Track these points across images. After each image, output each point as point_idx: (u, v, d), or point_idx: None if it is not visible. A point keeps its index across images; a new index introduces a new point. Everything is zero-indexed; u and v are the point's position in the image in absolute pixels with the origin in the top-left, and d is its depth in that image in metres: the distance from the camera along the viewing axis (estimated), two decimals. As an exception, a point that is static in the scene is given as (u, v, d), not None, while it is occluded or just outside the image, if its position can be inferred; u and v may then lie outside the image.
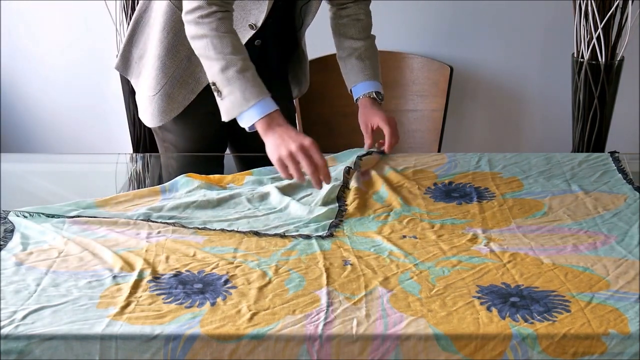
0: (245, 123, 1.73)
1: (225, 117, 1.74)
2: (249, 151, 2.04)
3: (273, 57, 2.05)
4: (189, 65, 1.96)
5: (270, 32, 1.98)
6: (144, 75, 2.01)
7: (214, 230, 1.59)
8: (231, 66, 1.71)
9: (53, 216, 1.61)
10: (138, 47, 2.02)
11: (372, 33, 2.07)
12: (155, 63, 1.96)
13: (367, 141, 1.99)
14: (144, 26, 2.01)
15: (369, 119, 1.98)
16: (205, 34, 1.73)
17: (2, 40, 3.43)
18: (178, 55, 1.95)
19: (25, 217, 1.61)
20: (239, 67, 1.71)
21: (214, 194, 1.73)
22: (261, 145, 1.74)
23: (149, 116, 2.01)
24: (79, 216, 1.63)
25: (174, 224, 1.60)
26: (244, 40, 1.88)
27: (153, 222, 1.61)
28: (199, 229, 1.59)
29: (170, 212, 1.65)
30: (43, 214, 1.62)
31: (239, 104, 1.71)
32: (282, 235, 1.57)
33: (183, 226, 1.60)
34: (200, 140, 2.05)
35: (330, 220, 1.63)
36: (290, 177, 1.68)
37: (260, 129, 1.72)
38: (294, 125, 2.16)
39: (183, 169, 1.96)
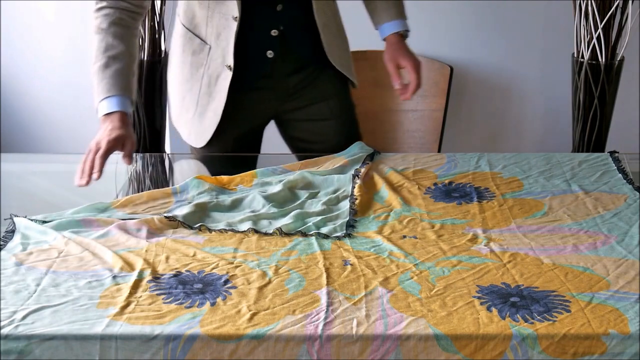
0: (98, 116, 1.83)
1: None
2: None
3: (298, 45, 2.01)
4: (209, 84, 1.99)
5: (289, 18, 1.97)
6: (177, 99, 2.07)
7: (213, 230, 1.59)
8: (96, 62, 1.83)
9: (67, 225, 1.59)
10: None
11: None
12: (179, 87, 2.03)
13: (395, 80, 2.02)
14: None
15: (397, 57, 2.01)
16: (93, 29, 1.85)
17: (2, 40, 3.43)
18: (197, 74, 1.99)
19: (34, 221, 1.60)
20: (100, 64, 1.82)
21: (227, 197, 1.73)
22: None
23: (193, 137, 2.05)
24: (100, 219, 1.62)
25: (200, 227, 1.60)
26: (230, 33, 1.91)
27: (183, 223, 1.61)
28: (226, 230, 1.59)
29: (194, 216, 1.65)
30: (56, 221, 1.60)
31: (94, 99, 1.83)
32: (285, 234, 1.57)
33: (208, 229, 1.60)
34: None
35: (347, 219, 1.63)
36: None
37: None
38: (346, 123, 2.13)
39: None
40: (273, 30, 1.96)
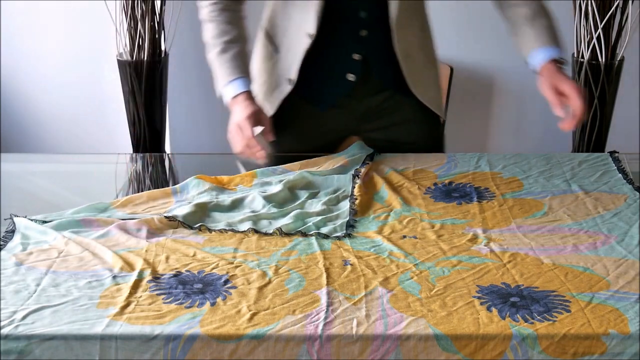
0: (225, 100, 1.90)
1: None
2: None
3: (380, 72, 1.99)
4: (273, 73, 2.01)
5: (373, 45, 1.95)
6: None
7: (213, 230, 1.59)
8: (213, 49, 1.92)
9: (67, 224, 1.59)
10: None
11: None
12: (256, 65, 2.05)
13: (559, 109, 1.84)
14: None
15: (557, 84, 1.85)
16: (204, 18, 1.95)
17: (2, 40, 3.43)
18: (270, 60, 2.01)
19: (34, 221, 1.60)
20: (217, 51, 1.90)
21: (226, 197, 1.73)
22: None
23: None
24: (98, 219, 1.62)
25: (200, 227, 1.60)
26: (300, 48, 1.92)
27: (184, 223, 1.61)
28: (226, 230, 1.59)
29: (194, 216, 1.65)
30: (56, 221, 1.60)
31: (217, 85, 1.91)
32: (285, 235, 1.57)
33: (208, 229, 1.60)
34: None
35: (347, 219, 1.63)
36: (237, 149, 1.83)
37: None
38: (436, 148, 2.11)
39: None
40: (355, 55, 1.95)
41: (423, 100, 2.01)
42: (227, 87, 1.88)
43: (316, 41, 1.91)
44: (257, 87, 2.00)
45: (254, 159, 1.82)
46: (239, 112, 1.84)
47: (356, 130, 2.06)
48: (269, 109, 1.98)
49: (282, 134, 1.98)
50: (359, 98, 2.00)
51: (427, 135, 2.09)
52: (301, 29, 1.92)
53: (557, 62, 1.89)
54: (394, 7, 1.90)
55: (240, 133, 1.81)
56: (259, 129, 1.87)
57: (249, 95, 1.86)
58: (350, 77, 1.97)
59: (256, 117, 1.85)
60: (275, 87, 1.99)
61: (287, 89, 1.96)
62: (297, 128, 2.02)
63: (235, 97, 1.86)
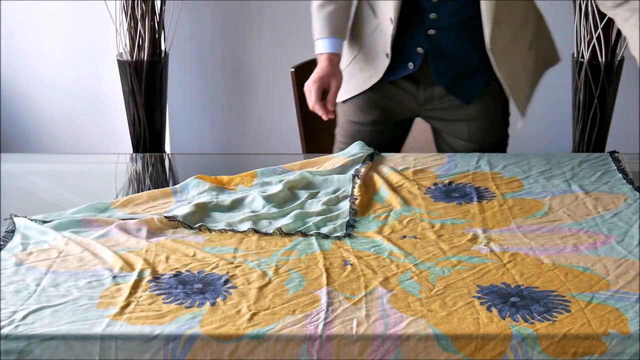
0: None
1: None
2: None
3: (454, 48, 2.02)
4: (369, 48, 2.06)
5: (446, 15, 1.98)
6: None
7: (213, 230, 1.59)
8: (314, 1, 2.03)
9: (67, 224, 1.60)
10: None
11: None
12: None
13: None
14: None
15: None
16: None
17: (2, 40, 3.43)
18: (358, 37, 2.08)
19: (34, 221, 1.60)
20: (318, 4, 2.01)
21: (226, 197, 1.73)
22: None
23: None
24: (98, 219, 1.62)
25: (200, 227, 1.60)
26: (387, 36, 2.00)
27: (183, 223, 1.61)
28: (226, 230, 1.59)
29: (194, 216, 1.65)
30: (56, 221, 1.60)
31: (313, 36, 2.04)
32: (285, 235, 1.57)
33: (208, 229, 1.60)
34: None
35: (347, 219, 1.63)
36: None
37: None
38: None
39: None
40: (419, 48, 2.01)
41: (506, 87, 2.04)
42: (316, 43, 2.02)
43: (397, 26, 1.99)
44: (356, 41, 2.10)
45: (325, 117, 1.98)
46: (314, 73, 1.98)
47: (418, 113, 2.13)
48: (367, 78, 2.07)
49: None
50: (418, 86, 2.07)
51: (486, 134, 2.12)
52: (386, 13, 2.00)
53: None
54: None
55: (309, 95, 1.96)
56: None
57: (329, 57, 1.98)
58: (410, 65, 2.03)
59: (326, 81, 1.96)
60: (373, 58, 2.06)
61: (385, 62, 2.04)
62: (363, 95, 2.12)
63: (319, 54, 2.00)
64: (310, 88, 1.96)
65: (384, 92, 2.10)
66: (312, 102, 1.97)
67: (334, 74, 1.98)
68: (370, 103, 2.12)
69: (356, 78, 2.11)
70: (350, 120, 2.17)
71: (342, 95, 2.11)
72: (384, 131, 2.15)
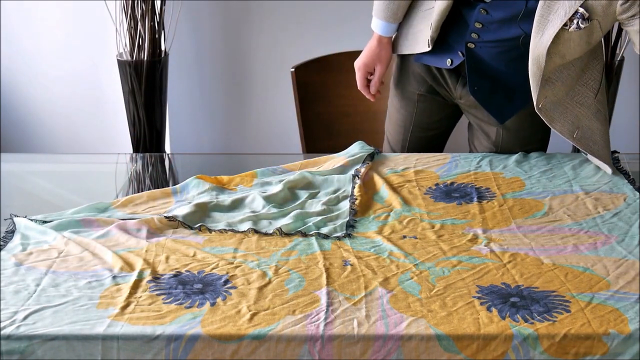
0: None
1: None
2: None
3: (493, 66, 1.96)
4: (423, 18, 2.04)
5: (488, 40, 1.93)
6: None
7: (213, 230, 1.59)
8: None
9: (68, 224, 1.60)
10: None
11: None
12: None
13: None
14: None
15: None
16: None
17: (2, 40, 3.43)
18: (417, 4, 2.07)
19: (34, 221, 1.60)
20: None
21: (226, 197, 1.73)
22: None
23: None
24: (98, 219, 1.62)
25: (200, 227, 1.60)
26: (430, 29, 1.97)
27: (184, 223, 1.61)
28: (226, 230, 1.59)
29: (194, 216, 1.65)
30: (56, 221, 1.60)
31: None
32: (285, 235, 1.57)
33: (208, 229, 1.60)
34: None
35: (347, 219, 1.63)
36: None
37: None
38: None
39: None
40: (459, 51, 1.97)
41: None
42: (374, 17, 2.06)
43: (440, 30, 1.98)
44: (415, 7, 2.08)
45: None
46: (364, 52, 2.09)
47: (457, 103, 2.11)
48: (409, 45, 2.08)
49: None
50: (458, 79, 2.04)
51: (515, 145, 2.04)
52: (434, 13, 1.96)
53: None
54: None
55: (357, 77, 2.09)
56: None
57: (380, 38, 2.06)
58: (448, 62, 2.01)
59: (370, 67, 2.08)
60: (419, 32, 2.04)
61: (424, 47, 2.02)
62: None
63: (374, 31, 2.07)
64: (357, 71, 2.09)
65: (429, 72, 2.08)
66: (359, 86, 2.11)
67: (379, 59, 2.07)
68: (419, 77, 2.09)
69: (409, 36, 2.07)
70: (400, 86, 2.15)
71: (395, 46, 2.11)
72: (432, 110, 2.12)
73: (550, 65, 1.80)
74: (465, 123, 2.18)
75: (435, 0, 1.95)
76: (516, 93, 1.95)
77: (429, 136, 2.14)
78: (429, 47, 1.99)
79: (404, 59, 2.12)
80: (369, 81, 2.11)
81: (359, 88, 2.11)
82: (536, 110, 1.87)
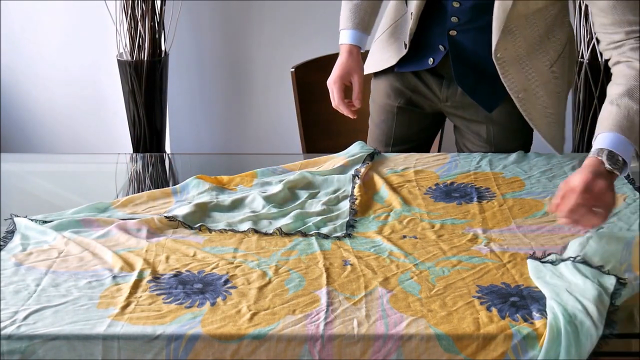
0: None
1: None
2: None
3: (476, 51, 1.97)
4: (395, 30, 2.06)
5: (467, 20, 1.94)
6: None
7: (213, 230, 1.59)
8: None
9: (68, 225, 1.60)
10: None
11: None
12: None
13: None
14: None
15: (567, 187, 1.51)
16: None
17: (2, 40, 3.43)
18: (392, 16, 2.08)
19: (34, 221, 1.60)
20: None
21: (226, 197, 1.73)
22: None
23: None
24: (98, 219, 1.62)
25: (200, 227, 1.60)
26: (408, 27, 1.98)
27: (184, 223, 1.61)
28: (226, 230, 1.59)
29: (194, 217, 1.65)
30: (56, 221, 1.60)
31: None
32: (285, 235, 1.57)
33: (208, 229, 1.60)
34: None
35: (347, 219, 1.63)
36: None
37: None
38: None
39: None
40: (440, 45, 1.98)
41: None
42: (340, 33, 2.03)
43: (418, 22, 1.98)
44: (389, 20, 2.10)
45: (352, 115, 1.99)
46: (335, 68, 1.99)
47: (440, 109, 2.11)
48: (387, 58, 2.08)
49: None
50: (441, 81, 2.05)
51: (507, 140, 2.05)
52: (410, 6, 1.98)
53: (610, 158, 1.54)
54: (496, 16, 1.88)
55: (331, 94, 1.98)
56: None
57: (349, 48, 1.99)
58: (430, 61, 2.01)
59: (346, 79, 1.98)
60: (395, 41, 2.06)
61: (402, 51, 2.03)
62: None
63: (341, 44, 2.02)
64: (331, 88, 1.98)
65: (408, 82, 2.09)
66: (336, 102, 1.98)
67: (354, 69, 1.99)
68: (397, 90, 2.10)
69: (381, 53, 2.10)
70: (378, 102, 2.16)
71: (367, 68, 2.12)
72: (411, 121, 2.14)
73: (514, 12, 1.85)
74: (451, 129, 2.19)
75: (405, 6, 2.00)
76: (499, 80, 1.96)
77: (408, 148, 2.12)
78: (405, 48, 2.00)
79: (379, 77, 2.13)
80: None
81: (335, 106, 1.99)
82: (493, 58, 1.91)
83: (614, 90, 1.65)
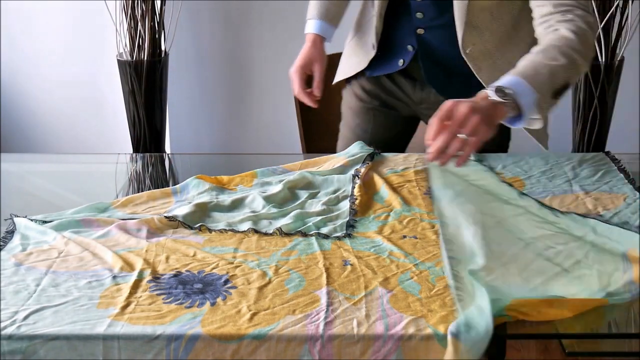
0: None
1: None
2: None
3: (444, 49, 1.98)
4: (363, 33, 2.08)
5: (432, 16, 1.96)
6: None
7: (213, 230, 1.60)
8: None
9: (67, 225, 1.60)
10: None
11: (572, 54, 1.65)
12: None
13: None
14: None
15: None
16: None
17: (2, 40, 3.43)
18: (361, 21, 2.11)
19: (34, 221, 1.60)
20: None
21: (226, 197, 1.73)
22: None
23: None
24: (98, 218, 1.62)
25: (200, 227, 1.60)
26: (375, 28, 2.00)
27: (184, 223, 1.61)
28: (226, 230, 1.59)
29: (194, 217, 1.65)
30: (56, 221, 1.60)
31: None
32: (285, 235, 1.57)
33: (208, 229, 1.60)
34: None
35: (347, 219, 1.63)
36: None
37: None
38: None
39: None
40: (409, 46, 2.00)
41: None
42: (307, 22, 2.06)
43: (385, 20, 2.01)
44: (358, 25, 2.13)
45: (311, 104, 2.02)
46: (298, 58, 2.02)
47: (415, 112, 2.12)
48: (357, 63, 2.09)
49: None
50: (415, 84, 2.06)
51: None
52: (376, 7, 2.00)
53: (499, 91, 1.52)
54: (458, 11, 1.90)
55: (293, 83, 2.01)
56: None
57: (313, 37, 2.03)
58: (400, 62, 2.03)
59: (308, 68, 2.01)
60: (364, 44, 2.07)
61: (371, 53, 2.05)
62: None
63: (306, 34, 2.05)
64: (292, 77, 2.01)
65: (382, 85, 2.10)
66: (296, 91, 2.01)
67: (315, 58, 2.01)
68: (370, 93, 2.11)
69: (351, 58, 2.12)
70: (352, 106, 2.16)
71: (339, 75, 2.14)
72: (388, 124, 2.14)
73: (475, 6, 1.86)
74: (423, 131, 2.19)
75: (372, 7, 2.01)
76: (472, 78, 1.96)
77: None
78: (374, 49, 2.01)
79: (351, 82, 2.14)
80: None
81: (295, 94, 2.03)
82: (463, 55, 1.91)
83: (532, 50, 1.67)
